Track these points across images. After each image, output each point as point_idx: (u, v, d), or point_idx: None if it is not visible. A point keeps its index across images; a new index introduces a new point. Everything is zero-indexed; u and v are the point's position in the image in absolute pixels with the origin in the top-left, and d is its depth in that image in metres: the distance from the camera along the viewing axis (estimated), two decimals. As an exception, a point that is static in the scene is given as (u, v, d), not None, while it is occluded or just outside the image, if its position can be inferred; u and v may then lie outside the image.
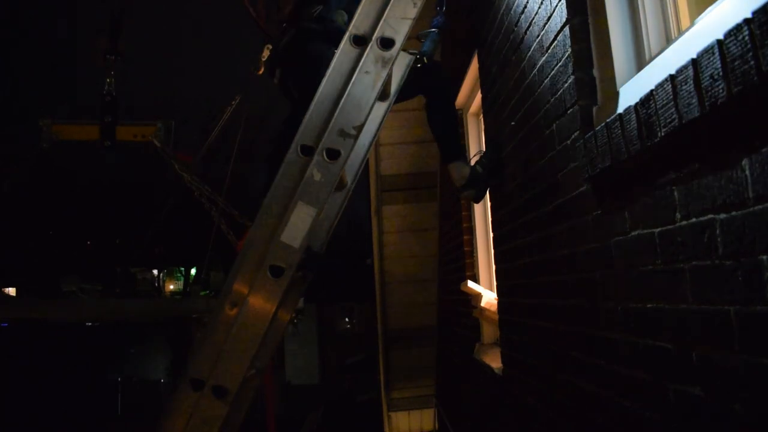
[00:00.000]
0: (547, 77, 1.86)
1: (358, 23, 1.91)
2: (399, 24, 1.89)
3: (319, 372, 19.43)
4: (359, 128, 1.88)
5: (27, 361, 15.51)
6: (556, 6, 1.74)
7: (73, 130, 12.25)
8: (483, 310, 3.47)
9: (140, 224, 18.86)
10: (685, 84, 1.00)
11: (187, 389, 1.83)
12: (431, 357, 5.92)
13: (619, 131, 1.28)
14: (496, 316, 2.99)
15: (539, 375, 2.13)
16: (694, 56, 0.97)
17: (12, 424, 13.85)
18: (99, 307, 13.13)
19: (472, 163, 2.71)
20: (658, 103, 1.10)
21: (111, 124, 11.71)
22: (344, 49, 1.92)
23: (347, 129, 1.87)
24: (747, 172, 0.91)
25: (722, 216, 0.98)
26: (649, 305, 1.26)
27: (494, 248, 2.86)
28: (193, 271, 22.53)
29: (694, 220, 1.07)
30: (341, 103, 1.88)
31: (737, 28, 0.86)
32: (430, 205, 5.75)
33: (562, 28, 1.70)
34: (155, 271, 24.57)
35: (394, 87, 2.32)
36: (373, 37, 1.88)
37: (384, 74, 1.90)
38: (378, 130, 2.35)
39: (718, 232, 0.99)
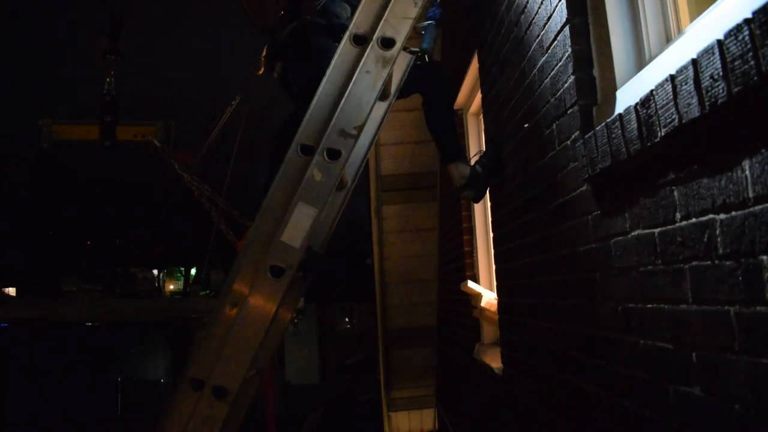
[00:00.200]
0: (547, 77, 1.86)
1: (359, 22, 1.91)
2: (400, 23, 1.89)
3: (319, 372, 19.42)
4: (360, 128, 1.88)
5: (27, 361, 15.51)
6: (556, 6, 1.74)
7: (72, 130, 12.25)
8: (483, 310, 3.47)
9: (140, 224, 18.86)
10: (685, 84, 1.00)
11: (187, 389, 1.83)
12: (431, 357, 5.92)
13: (619, 131, 1.28)
14: (496, 316, 2.99)
15: (539, 375, 2.13)
16: (694, 56, 0.97)
17: (12, 424, 13.85)
18: (99, 307, 13.14)
19: (472, 163, 2.71)
20: (658, 103, 1.10)
21: (111, 123, 11.72)
22: (345, 48, 1.92)
23: (348, 129, 1.87)
24: (747, 173, 0.91)
25: (722, 216, 0.98)
26: (649, 305, 1.26)
27: (494, 248, 2.86)
28: (193, 271, 22.53)
29: (694, 220, 1.07)
30: (342, 103, 1.88)
31: (737, 28, 0.86)
32: (430, 205, 5.75)
33: (562, 28, 1.70)
34: (155, 271, 24.56)
35: (394, 87, 2.32)
36: (374, 37, 1.88)
37: (385, 74, 1.90)
38: (378, 129, 2.35)
39: (718, 232, 0.99)
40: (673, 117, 1.05)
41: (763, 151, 0.87)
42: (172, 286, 25.36)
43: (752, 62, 0.84)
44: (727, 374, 0.98)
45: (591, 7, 1.59)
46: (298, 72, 2.60)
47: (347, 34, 1.93)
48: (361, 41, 1.91)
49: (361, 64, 1.88)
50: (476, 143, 4.11)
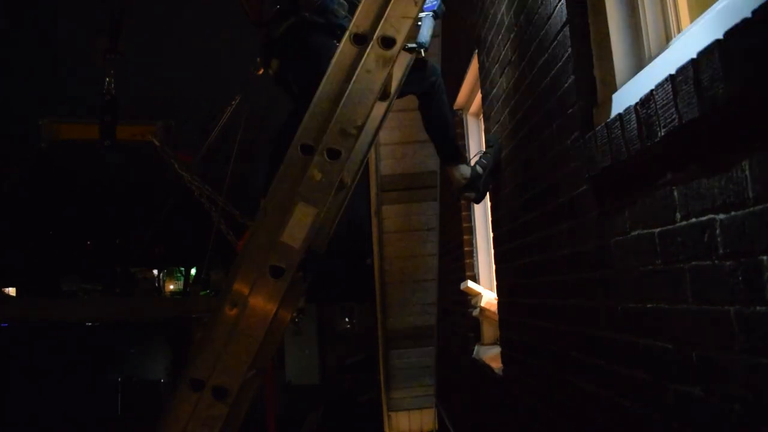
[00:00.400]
0: (547, 77, 1.86)
1: (359, 22, 1.91)
2: (400, 23, 1.88)
3: (319, 372, 19.41)
4: (360, 128, 1.88)
5: (27, 361, 15.50)
6: (556, 6, 1.74)
7: (72, 129, 12.25)
8: (483, 310, 3.47)
9: (140, 224, 18.86)
10: (685, 84, 1.00)
11: (187, 390, 1.83)
12: (431, 357, 5.92)
13: (619, 131, 1.28)
14: (496, 316, 2.99)
15: (539, 375, 2.13)
16: (694, 56, 0.97)
17: (12, 424, 13.85)
18: (99, 307, 13.13)
19: (472, 163, 2.70)
20: (658, 103, 1.10)
21: (111, 123, 11.71)
22: (345, 47, 1.91)
23: (348, 128, 1.86)
24: (747, 173, 0.91)
25: (722, 216, 0.98)
26: (649, 305, 1.26)
27: (494, 248, 2.86)
28: (193, 271, 22.53)
29: (694, 220, 1.07)
30: (342, 103, 1.87)
31: (737, 27, 0.86)
32: (430, 205, 5.75)
33: (562, 28, 1.70)
34: (155, 271, 24.57)
35: (394, 86, 2.32)
36: (374, 36, 1.87)
37: (385, 74, 1.89)
38: (378, 129, 2.35)
39: (718, 232, 0.99)
40: (673, 117, 1.05)
41: (763, 151, 0.87)
42: (172, 286, 25.37)
43: (752, 62, 0.84)
44: (727, 374, 0.98)
45: (591, 7, 1.59)
46: (297, 71, 2.54)
47: (347, 33, 1.92)
48: (361, 40, 1.90)
49: (361, 63, 1.88)
50: (476, 143, 4.12)
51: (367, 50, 1.88)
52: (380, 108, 2.27)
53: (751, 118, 0.89)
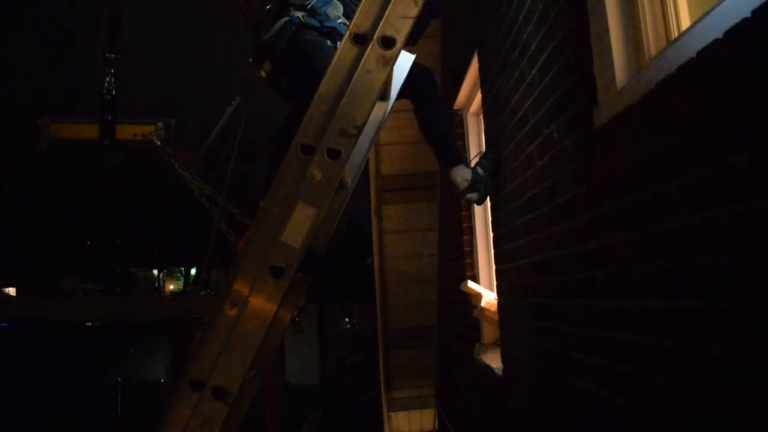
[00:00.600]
0: (547, 77, 1.86)
1: (359, 21, 1.90)
2: (400, 23, 1.88)
3: (319, 372, 19.43)
4: (360, 128, 1.88)
5: (27, 361, 15.50)
6: (556, 6, 1.74)
7: (72, 128, 12.23)
8: (483, 310, 3.47)
9: (140, 224, 18.84)
10: (685, 84, 1.00)
11: (187, 390, 1.83)
12: (431, 357, 5.93)
13: (619, 132, 1.28)
14: (496, 316, 2.99)
15: (539, 375, 2.13)
16: (694, 56, 0.97)
17: (12, 424, 13.85)
18: (99, 307, 13.12)
19: (472, 164, 2.70)
20: (658, 103, 1.10)
21: (110, 122, 11.70)
22: (345, 47, 1.91)
23: (348, 129, 1.86)
24: (747, 172, 0.91)
25: (722, 216, 0.98)
26: (648, 305, 1.26)
27: (494, 248, 2.86)
28: (193, 271, 22.54)
29: (694, 219, 1.07)
30: (342, 103, 1.87)
31: (737, 27, 0.86)
32: (430, 205, 5.75)
33: (562, 27, 1.70)
34: (155, 271, 24.57)
35: (394, 86, 2.31)
36: (374, 36, 1.87)
37: (385, 74, 1.89)
38: (378, 130, 2.35)
39: (718, 232, 0.99)
40: (673, 117, 1.05)
41: (763, 150, 0.87)
42: (172, 286, 25.38)
43: (752, 62, 0.84)
44: (726, 374, 0.98)
45: (591, 7, 1.59)
46: (289, 72, 2.53)
47: (347, 33, 1.92)
48: (361, 40, 1.90)
49: (361, 63, 1.88)
50: (476, 143, 4.11)
51: (367, 50, 1.87)
52: (380, 108, 2.27)
53: (751, 118, 0.89)
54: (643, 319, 1.29)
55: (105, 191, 21.43)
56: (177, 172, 12.52)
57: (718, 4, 1.07)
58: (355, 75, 1.87)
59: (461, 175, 2.61)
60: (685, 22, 1.38)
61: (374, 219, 5.99)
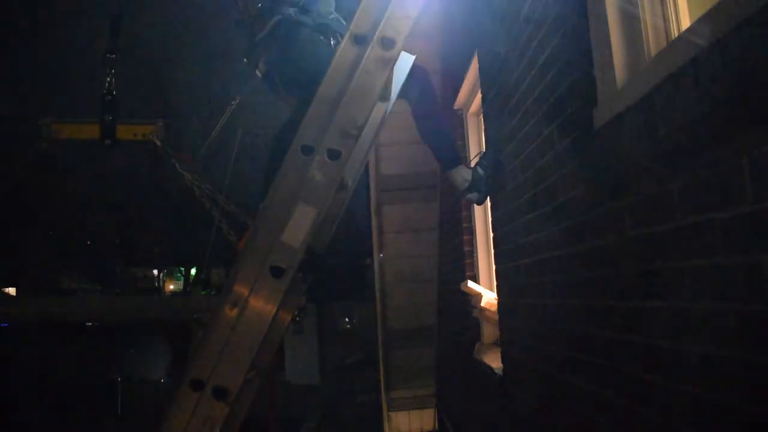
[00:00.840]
0: (547, 77, 1.86)
1: (359, 22, 1.90)
2: (400, 23, 1.88)
3: (319, 372, 19.40)
4: (360, 128, 1.88)
5: (27, 360, 15.50)
6: (557, 6, 1.74)
7: (72, 128, 12.25)
8: (483, 310, 3.47)
9: (140, 224, 18.86)
10: (685, 84, 1.00)
11: (188, 390, 1.83)
12: (431, 357, 5.92)
13: (619, 132, 1.28)
14: (496, 316, 2.99)
15: (539, 375, 2.13)
16: (694, 56, 0.97)
17: (12, 424, 13.85)
18: (99, 307, 13.14)
19: (472, 164, 2.70)
20: (658, 103, 1.10)
21: (111, 122, 11.72)
22: (345, 48, 1.91)
23: (348, 129, 1.86)
24: (747, 172, 0.91)
25: (722, 216, 0.98)
26: (649, 305, 1.26)
27: (494, 248, 2.85)
28: (193, 271, 22.53)
29: (694, 219, 1.07)
30: (342, 103, 1.87)
31: (737, 27, 0.86)
32: (430, 205, 5.75)
33: (562, 27, 1.70)
34: (155, 271, 24.57)
35: (394, 87, 2.31)
36: (374, 37, 1.87)
37: (385, 74, 1.89)
38: (378, 130, 2.35)
39: (718, 232, 0.99)
40: (673, 117, 1.05)
41: (763, 150, 0.87)
42: (172, 286, 25.37)
43: (752, 61, 0.84)
44: (726, 373, 0.98)
45: (591, 7, 1.59)
46: (283, 69, 2.52)
47: (347, 33, 1.91)
48: (361, 41, 1.90)
49: (361, 64, 1.88)
50: (476, 143, 4.11)
51: (367, 51, 1.87)
52: (380, 109, 2.26)
53: (751, 118, 0.89)
54: (643, 319, 1.29)
55: (105, 191, 21.43)
56: (178, 171, 12.53)
57: (718, 4, 1.07)
58: (355, 76, 1.87)
59: (461, 176, 2.61)
60: (685, 22, 1.38)
61: (374, 219, 5.99)
